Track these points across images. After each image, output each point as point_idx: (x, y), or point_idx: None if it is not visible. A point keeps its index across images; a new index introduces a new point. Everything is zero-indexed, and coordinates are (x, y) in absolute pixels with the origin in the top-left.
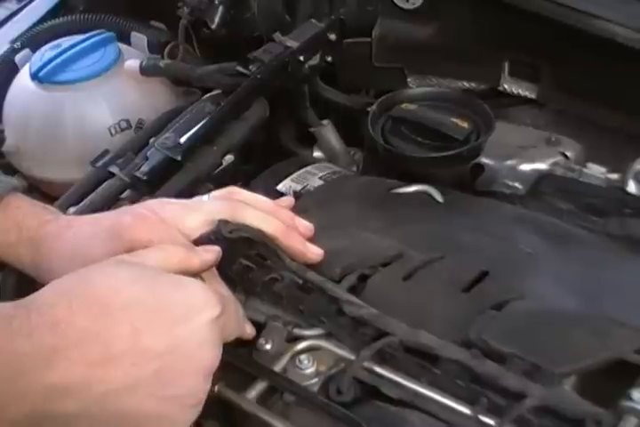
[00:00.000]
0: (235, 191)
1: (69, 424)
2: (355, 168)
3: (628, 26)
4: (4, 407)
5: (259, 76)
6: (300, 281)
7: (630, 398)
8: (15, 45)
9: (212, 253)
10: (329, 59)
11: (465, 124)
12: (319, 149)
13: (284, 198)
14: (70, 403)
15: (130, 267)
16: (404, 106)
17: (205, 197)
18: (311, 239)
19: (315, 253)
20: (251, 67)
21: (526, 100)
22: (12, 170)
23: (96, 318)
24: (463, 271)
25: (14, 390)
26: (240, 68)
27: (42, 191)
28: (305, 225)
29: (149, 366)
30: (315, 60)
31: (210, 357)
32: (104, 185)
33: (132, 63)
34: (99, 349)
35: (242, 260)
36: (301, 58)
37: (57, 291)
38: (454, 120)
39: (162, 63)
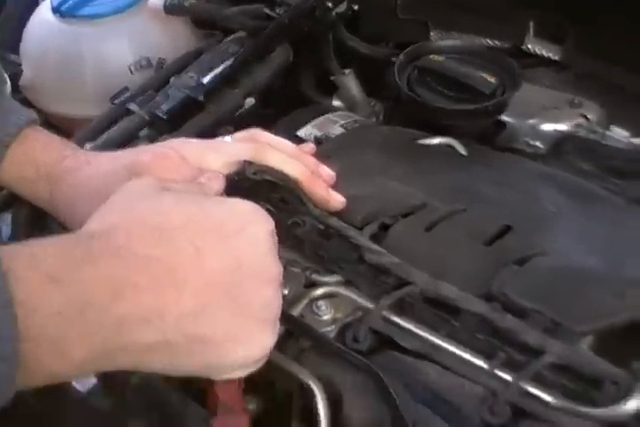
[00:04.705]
0: (258, 133)
1: (146, 354)
2: (374, 119)
3: None
4: (74, 343)
5: (285, 19)
6: (322, 227)
7: None
8: None
9: (216, 180)
10: (356, 7)
11: (492, 79)
12: (339, 98)
13: (305, 144)
14: (145, 332)
15: (165, 191)
16: (431, 57)
17: (228, 138)
18: (333, 187)
19: (337, 200)
20: (277, 9)
21: (549, 62)
22: (28, 105)
23: (156, 243)
24: (486, 225)
25: (83, 324)
26: (267, 11)
27: (57, 127)
28: (328, 173)
29: (218, 284)
30: (342, 8)
31: (274, 265)
32: (122, 122)
33: (157, 1)
34: (165, 273)
35: (263, 203)
36: (329, 4)
37: (107, 224)
38: (482, 74)
39: (186, 2)
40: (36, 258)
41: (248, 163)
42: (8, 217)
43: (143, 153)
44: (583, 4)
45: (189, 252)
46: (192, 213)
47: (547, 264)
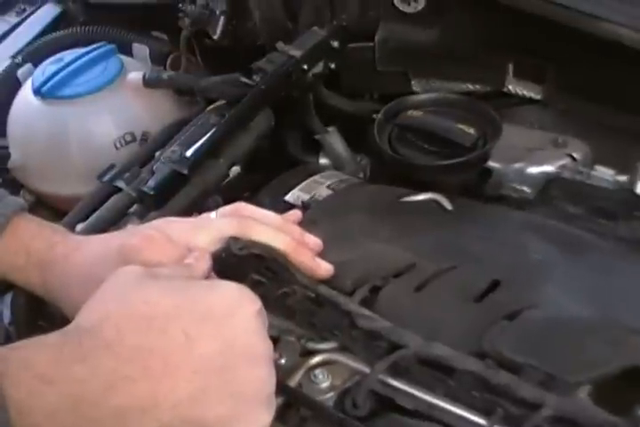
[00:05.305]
0: (242, 207)
1: None
2: (361, 174)
3: (633, 28)
4: None
5: (263, 86)
6: (313, 295)
7: None
8: (17, 60)
9: (202, 259)
10: (332, 66)
11: (471, 131)
12: (325, 156)
13: (291, 212)
14: (141, 421)
15: (152, 278)
16: (409, 113)
17: (213, 214)
18: (320, 253)
19: (325, 268)
20: (254, 77)
21: (532, 101)
22: (17, 185)
23: (145, 333)
24: (475, 281)
25: (79, 419)
26: (244, 79)
27: (48, 205)
28: (314, 241)
29: (210, 369)
30: (318, 68)
31: (262, 345)
32: (111, 200)
33: (135, 76)
34: (157, 363)
35: (253, 275)
36: (305, 66)
37: (96, 316)
38: (461, 126)
39: (165, 75)
40: (28, 360)
41: (234, 239)
42: (8, 299)
43: (131, 236)
44: (560, 46)
45: (179, 339)
46: (179, 301)
47: (537, 317)
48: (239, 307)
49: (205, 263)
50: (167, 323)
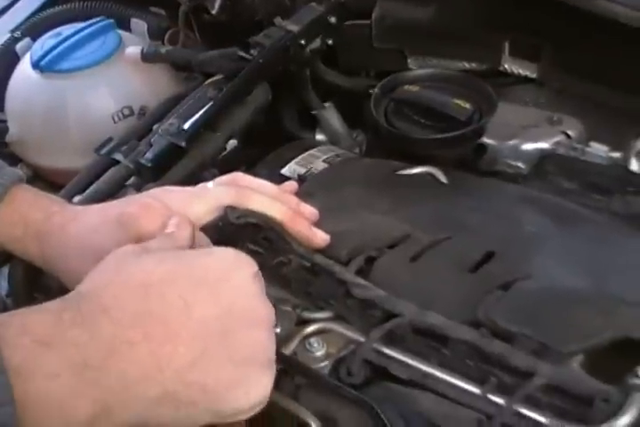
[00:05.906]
0: (239, 177)
1: (150, 409)
2: (357, 150)
3: (630, 5)
4: (76, 404)
5: (260, 60)
6: (308, 264)
7: (637, 376)
8: (15, 34)
9: (184, 227)
10: (330, 42)
11: (467, 105)
12: (322, 132)
13: (287, 183)
14: (146, 387)
15: (147, 251)
16: (406, 88)
17: (210, 184)
18: (316, 224)
19: (321, 237)
20: (252, 51)
21: (527, 80)
22: (15, 159)
23: (144, 299)
24: (470, 252)
25: (83, 384)
26: (241, 53)
27: (46, 179)
28: (310, 210)
29: (211, 333)
30: (316, 44)
31: (263, 308)
32: (109, 172)
33: (133, 50)
34: (157, 328)
35: (249, 244)
36: (302, 42)
37: (94, 286)
38: (457, 101)
39: (163, 49)
40: (26, 325)
41: (231, 208)
42: (5, 271)
43: (129, 204)
44: (556, 24)
45: (177, 304)
46: (175, 267)
47: (531, 287)
48: (236, 269)
49: (186, 229)
50: (164, 288)
